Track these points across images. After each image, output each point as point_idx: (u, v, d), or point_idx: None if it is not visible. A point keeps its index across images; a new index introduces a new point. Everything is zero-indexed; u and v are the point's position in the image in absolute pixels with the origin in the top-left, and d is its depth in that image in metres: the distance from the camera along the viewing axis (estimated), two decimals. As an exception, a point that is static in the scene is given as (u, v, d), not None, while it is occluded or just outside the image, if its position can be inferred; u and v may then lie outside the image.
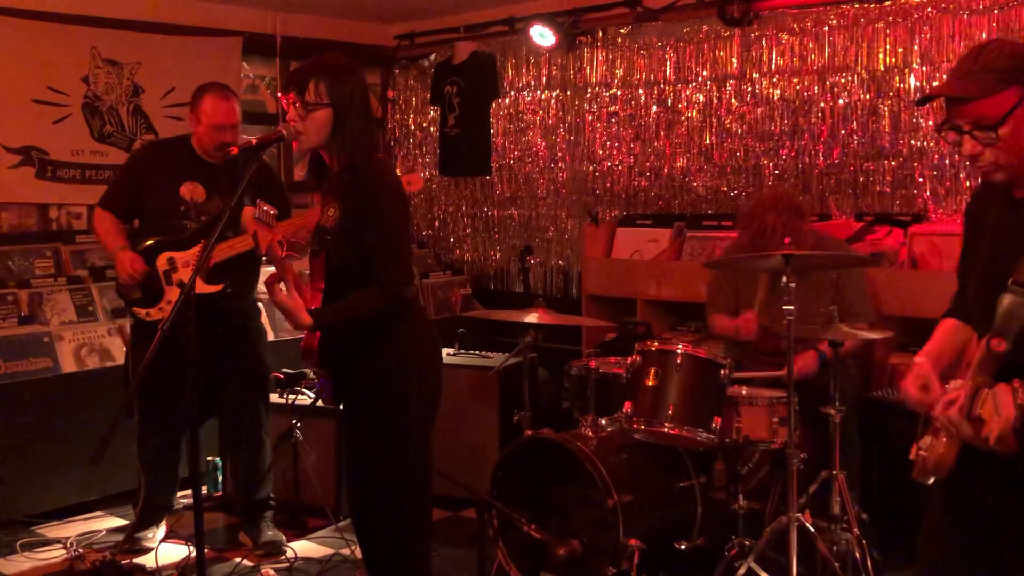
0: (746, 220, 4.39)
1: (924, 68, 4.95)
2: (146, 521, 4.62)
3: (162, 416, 4.46)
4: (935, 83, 4.88)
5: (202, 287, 4.16)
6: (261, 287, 5.85)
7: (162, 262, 4.28)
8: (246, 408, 4.55)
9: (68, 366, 5.13)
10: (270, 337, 5.76)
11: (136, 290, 4.28)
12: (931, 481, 2.27)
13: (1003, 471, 2.19)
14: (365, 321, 3.14)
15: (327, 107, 3.07)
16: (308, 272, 3.24)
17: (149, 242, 4.32)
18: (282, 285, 3.00)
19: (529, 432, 4.25)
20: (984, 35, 4.73)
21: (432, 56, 7.14)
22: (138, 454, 4.58)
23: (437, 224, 7.34)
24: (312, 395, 4.96)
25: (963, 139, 2.21)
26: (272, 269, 3.06)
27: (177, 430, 4.56)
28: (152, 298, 4.28)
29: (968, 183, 4.82)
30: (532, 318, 4.37)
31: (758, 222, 4.26)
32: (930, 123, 4.90)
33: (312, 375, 5.02)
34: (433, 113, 7.18)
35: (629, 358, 4.08)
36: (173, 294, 4.23)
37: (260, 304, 5.62)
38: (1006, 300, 2.12)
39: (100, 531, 4.79)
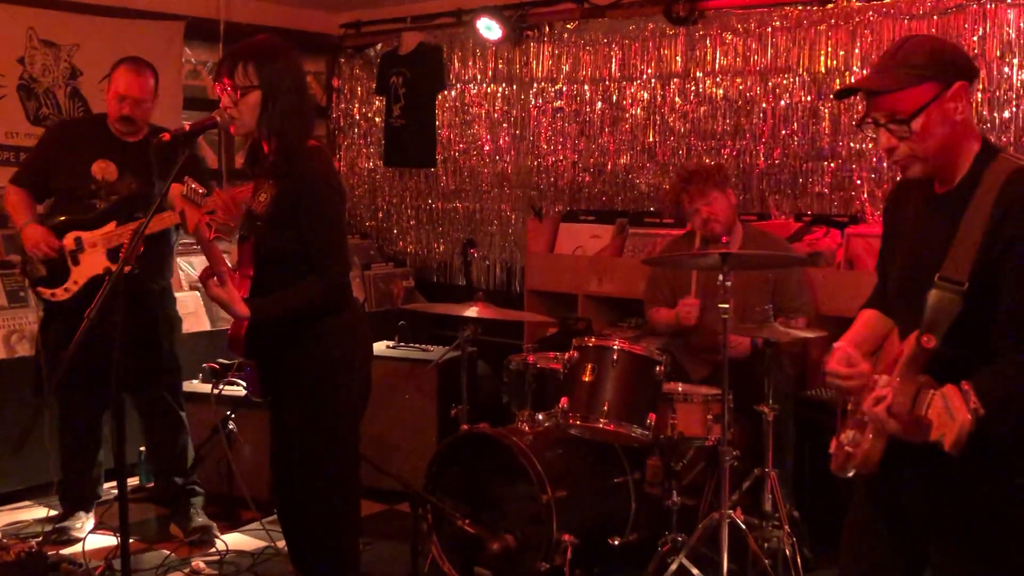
0: (666, 200, 4.55)
1: (864, 71, 4.99)
2: (71, 510, 4.56)
3: (79, 405, 4.40)
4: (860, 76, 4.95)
5: (108, 267, 4.12)
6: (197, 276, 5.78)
7: (69, 241, 4.18)
8: (157, 397, 4.47)
9: (-2, 352, 5.03)
10: (206, 327, 5.70)
11: (41, 268, 4.18)
12: (851, 474, 2.29)
13: (931, 468, 2.21)
14: (306, 312, 3.10)
15: (257, 89, 3.02)
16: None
17: (57, 221, 4.23)
18: (216, 278, 2.95)
19: (466, 426, 4.24)
20: (923, 40, 4.78)
21: (378, 46, 7.09)
22: (60, 443, 4.51)
23: (380, 215, 7.29)
24: (245, 385, 4.89)
25: (880, 132, 2.24)
26: (206, 262, 3.00)
27: (96, 419, 4.50)
28: (57, 278, 4.19)
29: (905, 186, 4.88)
30: (472, 312, 4.36)
31: (673, 197, 4.44)
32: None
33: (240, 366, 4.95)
34: (378, 103, 7.13)
35: (567, 353, 4.08)
36: (79, 274, 4.16)
37: (197, 292, 5.55)
38: (934, 296, 2.12)
39: (27, 521, 4.70)
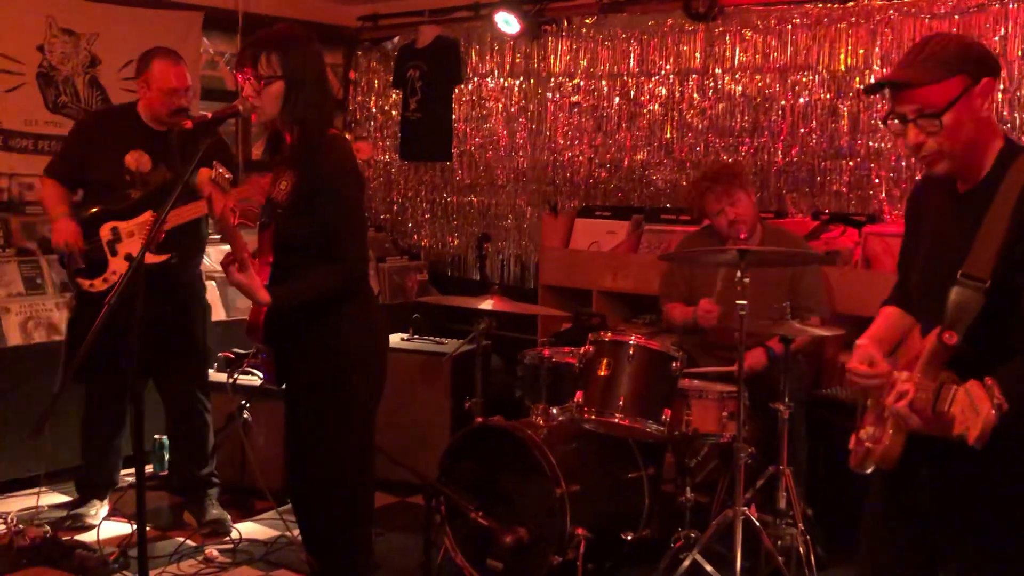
0: (691, 201, 4.53)
1: (884, 70, 4.98)
2: (87, 497, 4.58)
3: (106, 390, 4.41)
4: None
5: (147, 257, 4.10)
6: (213, 266, 5.78)
7: (105, 232, 4.20)
8: (185, 386, 4.50)
9: (14, 339, 5.04)
10: (222, 316, 5.72)
11: (79, 260, 4.20)
12: (869, 470, 2.29)
13: (948, 466, 2.21)
14: (325, 299, 3.11)
15: (280, 79, 3.03)
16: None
17: (92, 211, 4.24)
18: (238, 264, 2.96)
19: (480, 419, 4.24)
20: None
21: (395, 39, 7.09)
22: (83, 428, 4.52)
23: (395, 208, 7.29)
24: (262, 376, 4.90)
25: (907, 128, 2.22)
26: (227, 248, 3.01)
27: (121, 405, 4.52)
28: (96, 269, 4.20)
29: (923, 185, 4.86)
30: (487, 305, 4.36)
31: (699, 199, 4.41)
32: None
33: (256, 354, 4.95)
34: (395, 96, 7.13)
35: (582, 348, 4.08)
36: (118, 264, 4.17)
37: (213, 282, 5.57)
38: (956, 293, 2.13)
39: (42, 507, 4.72)
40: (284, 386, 3.35)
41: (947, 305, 2.13)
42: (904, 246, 2.53)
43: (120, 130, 4.38)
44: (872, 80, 4.96)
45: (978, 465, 2.14)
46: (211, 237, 4.84)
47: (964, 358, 2.10)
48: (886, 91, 2.28)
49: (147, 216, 4.18)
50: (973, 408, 1.97)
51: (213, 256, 5.92)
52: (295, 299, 3.07)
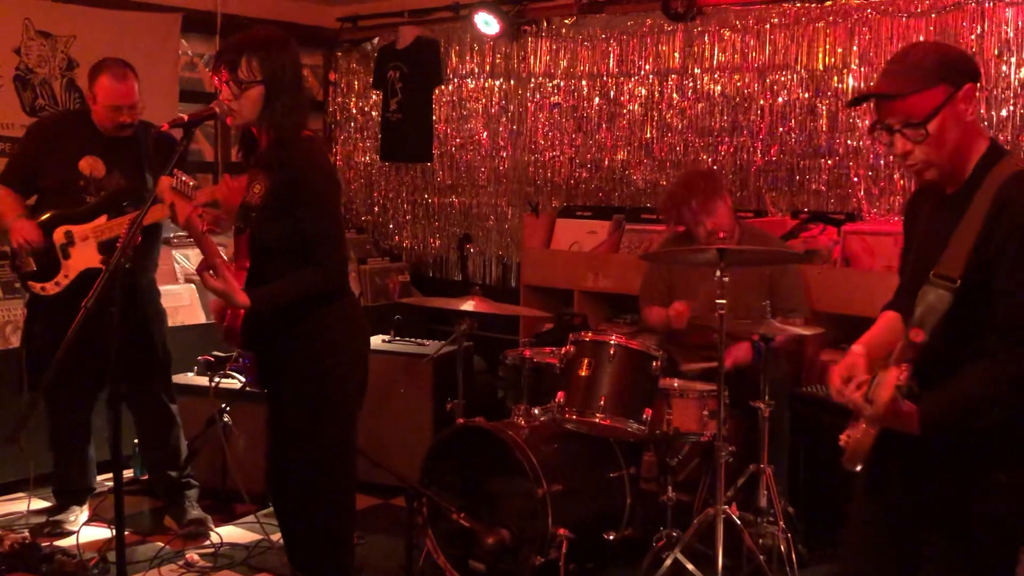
0: (668, 212, 4.48)
1: (862, 69, 5.00)
2: (64, 504, 4.55)
3: (68, 401, 4.38)
4: (871, 84, 4.94)
5: (103, 261, 4.10)
6: (193, 269, 5.76)
7: (59, 236, 4.17)
8: (150, 392, 4.47)
9: (-10, 344, 5.01)
10: (201, 320, 5.69)
11: (31, 262, 4.17)
12: (858, 468, 2.31)
13: (916, 460, 2.25)
14: (304, 301, 3.09)
15: (260, 84, 3.02)
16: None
17: (46, 215, 4.22)
18: (212, 271, 2.95)
19: (461, 420, 4.24)
20: (921, 38, 4.79)
21: (375, 40, 7.08)
22: (50, 438, 4.50)
23: (377, 210, 7.28)
24: (242, 379, 4.89)
25: (894, 138, 2.26)
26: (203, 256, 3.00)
27: (85, 414, 4.49)
28: (47, 272, 4.18)
29: (902, 183, 4.89)
30: (468, 306, 4.36)
31: (675, 211, 4.36)
32: (866, 123, 4.96)
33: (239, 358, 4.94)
34: (375, 97, 7.12)
35: (563, 348, 4.08)
36: (69, 268, 4.16)
37: (192, 285, 5.55)
38: (927, 292, 2.18)
39: (21, 513, 4.69)
40: (267, 389, 3.35)
41: (917, 303, 2.17)
42: (902, 251, 2.57)
43: (75, 135, 4.35)
44: (850, 82, 5.05)
45: (942, 459, 2.19)
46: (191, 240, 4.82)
47: (937, 356, 2.12)
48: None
49: (101, 221, 4.18)
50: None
51: (192, 259, 5.91)
52: (274, 302, 3.05)
